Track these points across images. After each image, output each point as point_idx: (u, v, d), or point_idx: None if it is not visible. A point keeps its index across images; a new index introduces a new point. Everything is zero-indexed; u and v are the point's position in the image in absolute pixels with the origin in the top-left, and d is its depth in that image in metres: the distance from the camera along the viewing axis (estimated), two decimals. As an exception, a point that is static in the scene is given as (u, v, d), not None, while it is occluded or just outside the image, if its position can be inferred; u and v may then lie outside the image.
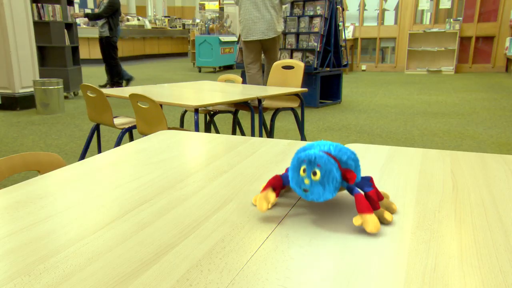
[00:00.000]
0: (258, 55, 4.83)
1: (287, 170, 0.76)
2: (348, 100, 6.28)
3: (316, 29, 5.75)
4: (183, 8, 23.74)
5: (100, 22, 6.70)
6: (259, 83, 4.83)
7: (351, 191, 0.69)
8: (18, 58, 5.46)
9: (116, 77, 7.02)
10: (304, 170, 0.67)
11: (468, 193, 0.83)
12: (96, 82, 8.53)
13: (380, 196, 0.71)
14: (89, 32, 12.53)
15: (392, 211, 0.72)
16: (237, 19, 11.19)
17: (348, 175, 0.67)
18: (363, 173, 0.95)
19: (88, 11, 14.73)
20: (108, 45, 6.77)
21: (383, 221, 0.68)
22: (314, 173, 0.66)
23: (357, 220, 0.66)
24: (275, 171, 0.98)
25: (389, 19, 10.87)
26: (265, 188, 0.73)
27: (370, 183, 0.72)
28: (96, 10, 6.70)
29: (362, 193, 0.68)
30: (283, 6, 4.87)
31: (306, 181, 0.67)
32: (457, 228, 0.69)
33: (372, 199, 0.68)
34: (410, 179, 0.91)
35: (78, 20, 7.22)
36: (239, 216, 0.74)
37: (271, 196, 0.71)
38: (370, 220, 0.64)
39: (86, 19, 6.86)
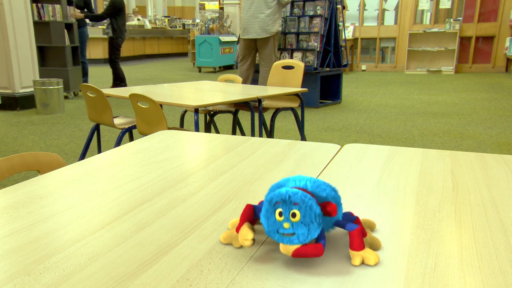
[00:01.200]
0: (252, 52, 5.11)
1: (260, 203, 0.68)
2: (348, 100, 6.28)
3: (316, 29, 5.75)
4: (183, 8, 23.74)
5: (106, 23, 6.65)
6: (248, 79, 5.15)
7: (343, 226, 0.62)
8: (18, 58, 5.46)
9: (118, 80, 6.91)
10: (280, 214, 0.58)
11: (468, 193, 0.83)
12: (96, 82, 8.53)
13: (363, 232, 0.63)
14: (89, 32, 12.52)
15: (376, 248, 0.64)
16: (237, 19, 11.22)
17: (328, 208, 0.59)
18: (364, 173, 0.95)
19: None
20: (111, 46, 6.68)
21: (367, 263, 0.60)
22: (294, 215, 0.57)
23: (356, 260, 0.59)
24: (275, 171, 0.98)
25: (389, 19, 10.87)
26: (240, 225, 0.64)
27: (353, 217, 0.65)
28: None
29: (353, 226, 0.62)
30: (282, 8, 5.01)
31: (286, 225, 0.58)
32: (457, 228, 0.69)
33: (355, 240, 0.60)
34: (410, 179, 0.91)
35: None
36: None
37: (249, 234, 0.62)
38: (368, 254, 0.59)
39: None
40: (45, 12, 6.18)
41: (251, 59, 5.16)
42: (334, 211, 0.59)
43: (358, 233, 0.60)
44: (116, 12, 6.51)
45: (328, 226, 0.64)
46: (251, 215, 0.65)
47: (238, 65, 5.26)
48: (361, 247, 0.59)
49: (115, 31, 6.57)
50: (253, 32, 4.89)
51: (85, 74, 6.96)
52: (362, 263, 0.59)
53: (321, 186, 0.62)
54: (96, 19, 6.68)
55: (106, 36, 6.76)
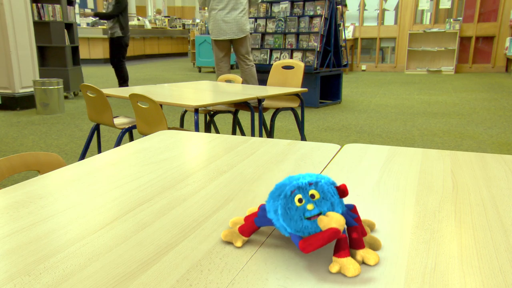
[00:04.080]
0: (228, 52, 5.21)
1: (260, 207, 0.66)
2: (348, 100, 6.28)
3: (316, 29, 5.75)
4: (183, 8, 23.73)
5: (110, 23, 6.47)
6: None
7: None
8: (18, 58, 5.46)
9: (121, 80, 6.85)
10: (299, 200, 0.57)
11: (468, 193, 0.83)
12: (96, 82, 8.53)
13: (363, 231, 0.63)
14: (89, 32, 12.53)
15: (376, 248, 0.63)
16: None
17: (342, 186, 0.59)
18: (364, 173, 0.95)
19: (88, 11, 14.71)
20: (119, 46, 6.53)
21: (367, 262, 0.59)
22: (313, 196, 0.57)
23: (334, 267, 0.56)
24: (275, 171, 0.98)
25: (389, 19, 10.87)
26: (243, 233, 0.65)
27: (354, 214, 0.64)
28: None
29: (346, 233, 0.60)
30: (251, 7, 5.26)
31: (310, 206, 0.57)
32: (457, 228, 0.69)
33: (356, 238, 0.59)
34: (410, 179, 0.91)
35: (78, 20, 7.15)
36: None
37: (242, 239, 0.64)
38: (348, 264, 0.56)
39: (93, 19, 6.64)
40: (45, 12, 6.18)
41: (228, 59, 5.27)
42: (346, 189, 0.59)
43: (345, 240, 0.58)
44: (123, 10, 6.44)
45: None
46: (253, 229, 0.65)
47: (218, 67, 5.26)
48: (346, 253, 0.57)
49: (123, 29, 6.47)
50: (231, 33, 4.99)
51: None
52: (363, 262, 0.59)
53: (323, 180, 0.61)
54: (107, 17, 6.58)
55: (106, 36, 6.62)
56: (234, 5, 4.94)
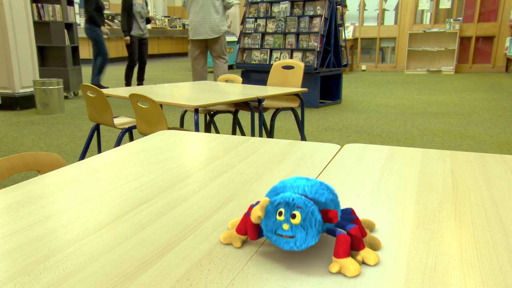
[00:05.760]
0: (204, 51, 5.58)
1: (257, 202, 0.67)
2: (348, 100, 6.28)
3: (316, 29, 5.75)
4: (183, 8, 23.73)
5: (143, 24, 6.71)
6: (204, 77, 5.64)
7: (333, 233, 0.61)
8: (18, 58, 5.46)
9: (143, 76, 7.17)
10: (280, 213, 0.58)
11: (468, 193, 0.83)
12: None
13: (363, 232, 0.63)
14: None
15: (376, 248, 0.63)
16: (238, 20, 11.21)
17: (330, 215, 0.59)
18: (364, 173, 0.95)
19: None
20: (147, 46, 6.94)
21: (367, 262, 0.59)
22: (293, 216, 0.57)
23: (334, 267, 0.57)
24: (275, 171, 0.98)
25: (389, 19, 10.87)
26: (240, 232, 0.65)
27: (352, 216, 0.65)
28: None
29: (345, 233, 0.60)
30: (227, 10, 5.58)
31: (285, 226, 0.57)
32: (457, 228, 0.69)
33: (355, 238, 0.60)
34: (410, 179, 0.91)
35: (78, 20, 7.24)
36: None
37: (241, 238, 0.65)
38: (348, 264, 0.57)
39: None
40: (45, 12, 6.18)
41: (204, 58, 5.61)
42: (335, 217, 0.59)
43: (345, 240, 0.58)
44: None
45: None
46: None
47: (192, 65, 5.63)
48: (346, 254, 0.58)
49: None
50: (204, 33, 5.37)
51: (99, 72, 7.03)
52: (363, 262, 0.59)
53: (319, 191, 0.61)
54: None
55: (112, 36, 6.79)
56: (207, 8, 5.31)
